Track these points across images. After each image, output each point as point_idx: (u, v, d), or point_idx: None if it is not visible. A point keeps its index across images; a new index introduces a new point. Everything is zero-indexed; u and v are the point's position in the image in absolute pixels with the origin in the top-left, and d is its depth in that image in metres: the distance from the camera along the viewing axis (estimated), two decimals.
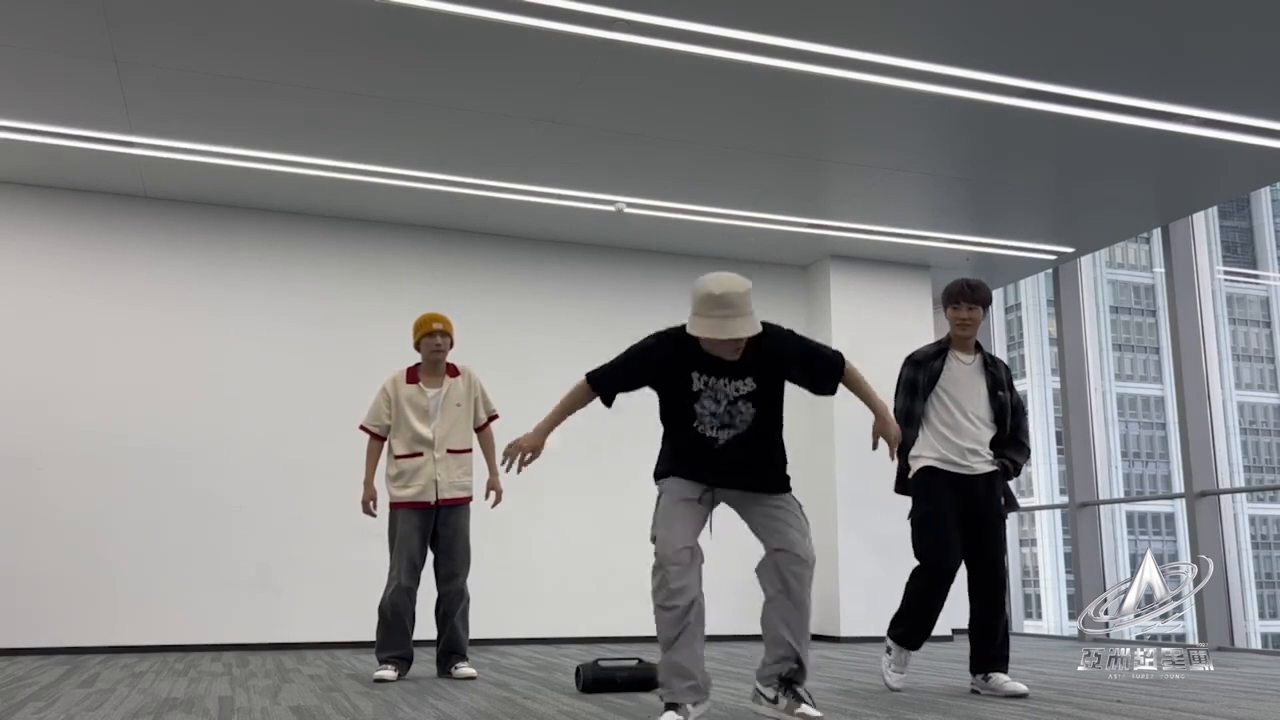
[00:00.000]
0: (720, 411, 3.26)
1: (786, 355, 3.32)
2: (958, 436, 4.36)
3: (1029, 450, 4.48)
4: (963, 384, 4.44)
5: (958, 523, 4.33)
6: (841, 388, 3.43)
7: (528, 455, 3.33)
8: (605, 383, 3.36)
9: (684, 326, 3.20)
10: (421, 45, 4.93)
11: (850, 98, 5.44)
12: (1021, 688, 4.23)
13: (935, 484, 4.35)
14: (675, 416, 3.33)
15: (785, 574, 3.26)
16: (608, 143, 6.09)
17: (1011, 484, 4.51)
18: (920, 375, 4.51)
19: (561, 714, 3.69)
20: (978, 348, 4.58)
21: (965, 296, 4.54)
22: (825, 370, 3.37)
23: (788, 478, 3.44)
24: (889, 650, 4.46)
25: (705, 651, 3.23)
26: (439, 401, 5.04)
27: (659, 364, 3.30)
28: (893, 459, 3.52)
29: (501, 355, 7.22)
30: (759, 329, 3.16)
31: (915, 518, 4.43)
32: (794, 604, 3.27)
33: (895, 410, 4.47)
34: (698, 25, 4.70)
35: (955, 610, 8.63)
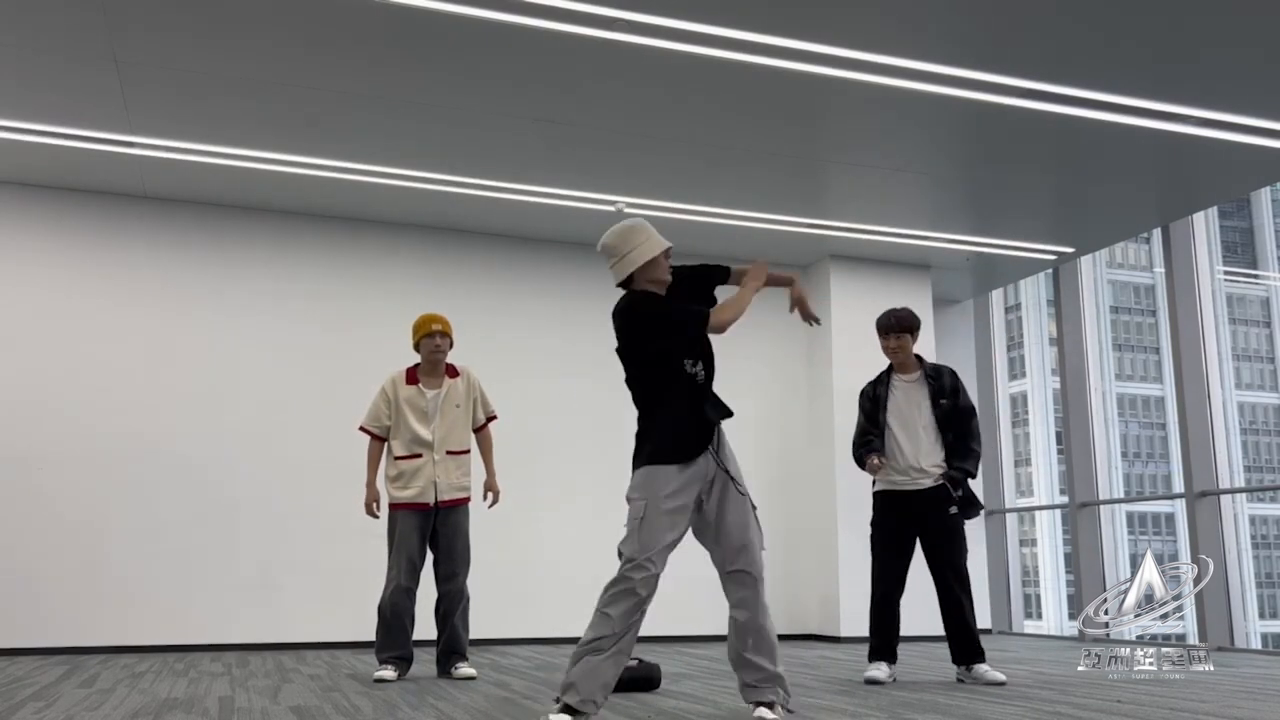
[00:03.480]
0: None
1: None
2: (904, 458, 4.81)
3: (978, 455, 4.85)
4: (904, 404, 4.88)
5: (899, 542, 4.87)
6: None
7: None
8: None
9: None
10: (422, 46, 4.93)
11: (850, 98, 5.44)
12: (1001, 676, 4.68)
13: (883, 509, 4.92)
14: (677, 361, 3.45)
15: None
16: (608, 143, 6.08)
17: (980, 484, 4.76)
18: (864, 401, 5.03)
19: None
20: (920, 364, 4.99)
21: (891, 328, 4.96)
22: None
23: (641, 450, 3.40)
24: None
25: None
26: (438, 403, 5.03)
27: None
28: (795, 309, 3.69)
29: (501, 355, 7.22)
30: (623, 272, 3.80)
31: (871, 538, 5.00)
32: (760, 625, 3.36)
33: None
34: (698, 25, 4.70)
35: None
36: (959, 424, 4.83)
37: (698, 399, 3.37)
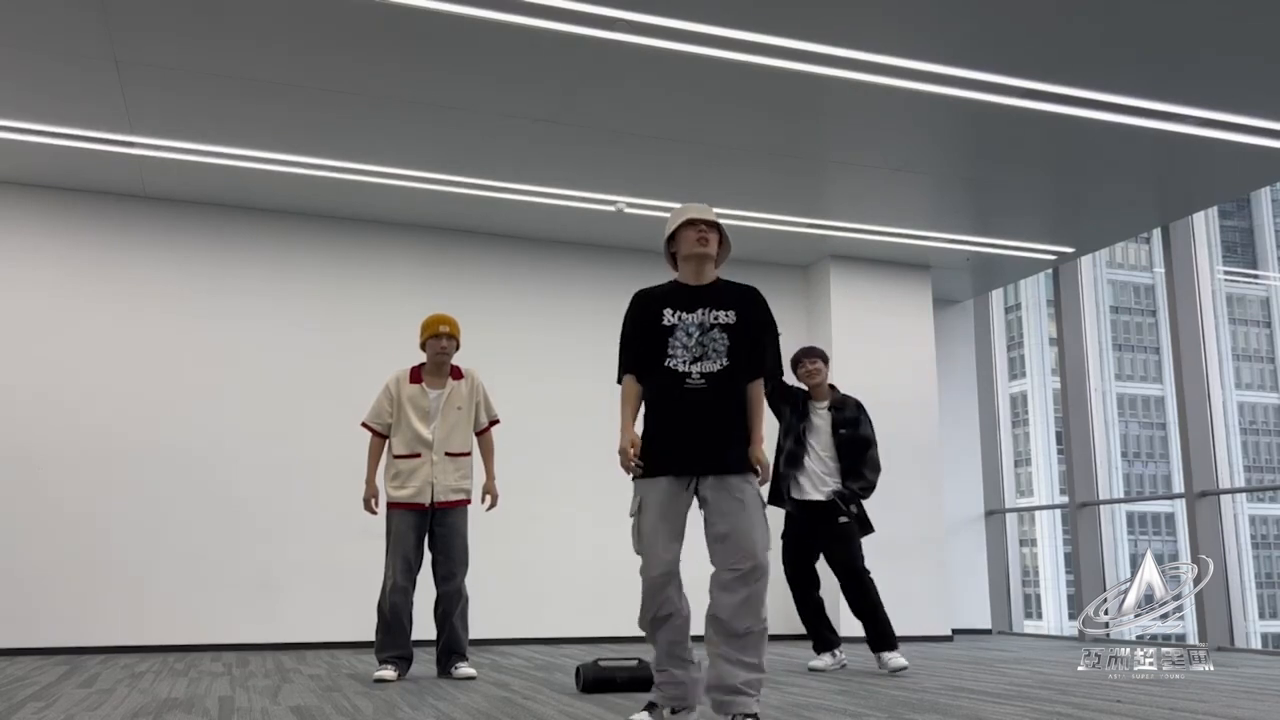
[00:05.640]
0: (692, 344, 3.29)
1: (755, 312, 3.39)
2: (810, 470, 5.41)
3: (868, 480, 5.40)
4: (817, 427, 5.45)
5: (809, 545, 5.46)
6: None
7: (633, 453, 3.25)
8: (633, 365, 3.39)
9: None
10: (422, 46, 4.93)
11: (850, 98, 5.44)
12: (903, 662, 5.20)
13: (795, 518, 5.45)
14: (650, 360, 3.33)
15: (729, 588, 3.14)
16: (608, 143, 6.09)
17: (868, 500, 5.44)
18: (788, 410, 5.50)
19: (561, 714, 3.69)
20: (831, 393, 5.55)
21: (809, 354, 5.58)
22: (759, 361, 3.36)
23: (748, 456, 3.29)
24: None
25: (699, 658, 3.27)
26: (440, 403, 5.04)
27: (640, 315, 3.40)
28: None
29: (501, 355, 7.21)
30: (721, 229, 3.41)
31: (793, 547, 5.51)
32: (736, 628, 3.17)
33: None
34: (698, 25, 4.70)
35: (954, 610, 8.66)
36: (855, 451, 5.39)
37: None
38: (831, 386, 5.60)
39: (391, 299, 7.27)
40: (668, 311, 3.34)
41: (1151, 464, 56.52)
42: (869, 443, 5.43)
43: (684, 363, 3.27)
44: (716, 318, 3.31)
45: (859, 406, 5.50)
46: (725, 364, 3.27)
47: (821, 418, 5.45)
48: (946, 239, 7.77)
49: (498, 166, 6.44)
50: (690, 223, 3.39)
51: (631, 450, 3.25)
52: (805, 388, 5.55)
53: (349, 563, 6.63)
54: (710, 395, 3.25)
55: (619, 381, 3.43)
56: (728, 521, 3.17)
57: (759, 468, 3.28)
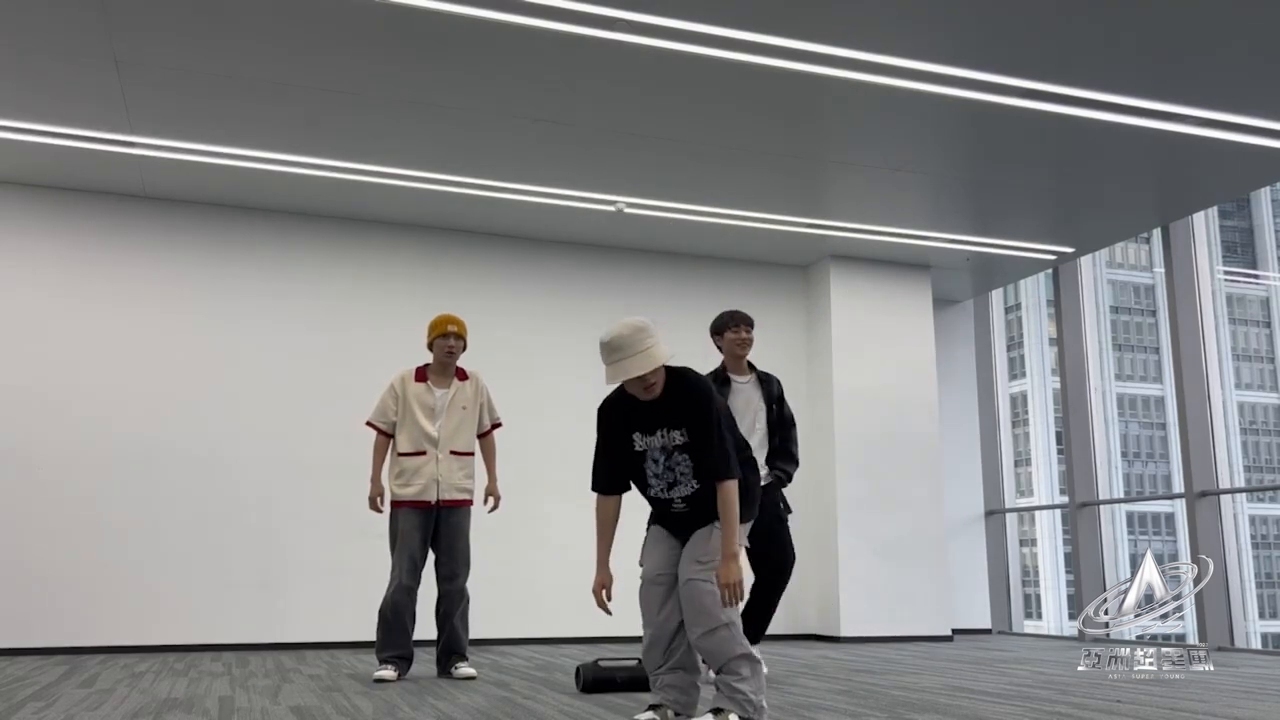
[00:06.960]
0: (662, 471, 3.22)
1: (697, 418, 3.16)
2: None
3: (797, 460, 4.98)
4: (741, 405, 4.83)
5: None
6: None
7: (603, 591, 3.27)
8: (603, 482, 3.32)
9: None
10: (422, 46, 4.93)
11: (850, 98, 5.44)
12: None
13: None
14: (629, 480, 3.32)
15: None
16: (608, 143, 6.08)
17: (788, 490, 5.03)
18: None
19: (561, 714, 3.70)
20: (750, 367, 5.02)
21: (741, 320, 4.94)
22: (706, 466, 3.17)
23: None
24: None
25: (699, 661, 3.28)
26: (445, 402, 5.05)
27: (612, 432, 3.29)
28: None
29: (501, 355, 7.21)
30: (657, 362, 3.07)
31: None
32: (696, 644, 3.17)
33: None
34: (698, 25, 4.70)
35: (954, 610, 8.65)
36: (783, 431, 4.95)
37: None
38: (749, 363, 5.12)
39: (392, 299, 7.27)
40: (636, 436, 3.24)
41: (1151, 464, 56.50)
42: (794, 421, 5.04)
43: (661, 490, 3.24)
44: (672, 438, 3.18)
45: (780, 384, 5.07)
46: (695, 487, 3.19)
47: (747, 392, 4.91)
48: (946, 239, 7.77)
49: (498, 166, 6.44)
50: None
51: (602, 593, 3.25)
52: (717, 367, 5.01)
53: (349, 563, 6.63)
54: (693, 510, 3.23)
55: (593, 489, 3.33)
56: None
57: (724, 592, 3.05)
